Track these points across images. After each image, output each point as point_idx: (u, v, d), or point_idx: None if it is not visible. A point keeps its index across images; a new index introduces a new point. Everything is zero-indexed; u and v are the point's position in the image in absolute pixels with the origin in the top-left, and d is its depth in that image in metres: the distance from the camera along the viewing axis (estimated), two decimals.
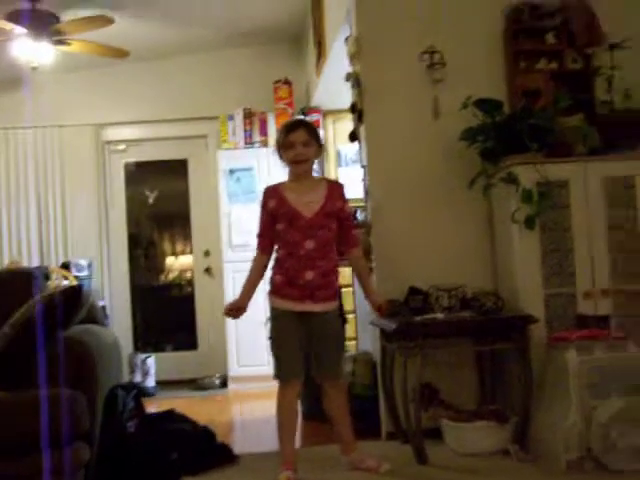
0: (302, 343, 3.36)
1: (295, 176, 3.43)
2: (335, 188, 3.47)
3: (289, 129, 3.40)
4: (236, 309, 3.38)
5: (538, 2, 4.11)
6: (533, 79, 4.05)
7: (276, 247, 3.41)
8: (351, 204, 3.72)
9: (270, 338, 3.41)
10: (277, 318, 3.39)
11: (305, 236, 3.30)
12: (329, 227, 3.35)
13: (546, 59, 4.08)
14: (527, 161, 3.64)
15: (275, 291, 3.37)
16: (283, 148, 3.39)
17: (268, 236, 3.41)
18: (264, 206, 3.41)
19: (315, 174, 3.58)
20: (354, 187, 4.67)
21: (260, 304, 3.53)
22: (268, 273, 3.44)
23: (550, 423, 3.32)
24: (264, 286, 3.44)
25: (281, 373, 3.36)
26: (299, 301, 3.31)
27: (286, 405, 3.38)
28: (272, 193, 3.40)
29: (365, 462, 3.41)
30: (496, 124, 3.78)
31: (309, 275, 3.29)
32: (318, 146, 3.44)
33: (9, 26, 5.14)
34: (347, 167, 6.52)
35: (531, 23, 4.10)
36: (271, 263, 3.43)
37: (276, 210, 3.35)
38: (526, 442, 3.49)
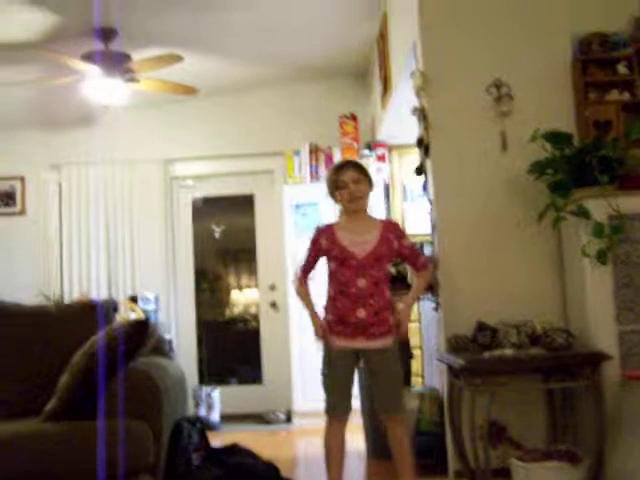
0: (353, 378, 3.41)
1: (350, 215, 3.46)
2: (390, 228, 3.48)
3: (339, 170, 3.47)
4: (322, 328, 3.41)
5: (608, 32, 4.05)
6: (604, 110, 3.97)
7: (327, 286, 3.44)
8: (416, 239, 3.70)
9: (322, 374, 3.43)
10: (329, 355, 3.41)
11: (357, 275, 3.33)
12: (381, 266, 3.37)
13: (618, 90, 4.00)
14: (598, 194, 3.56)
15: (327, 329, 3.39)
16: (337, 189, 3.44)
17: (309, 271, 3.51)
18: (314, 243, 3.47)
19: (375, 210, 3.61)
20: (419, 222, 4.64)
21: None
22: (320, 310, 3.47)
23: (629, 469, 3.18)
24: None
25: (328, 409, 3.40)
26: (351, 338, 3.34)
27: (332, 439, 3.40)
28: (325, 233, 3.45)
29: None
30: (566, 157, 3.71)
31: (361, 313, 3.30)
32: (368, 183, 3.48)
33: (83, 66, 5.30)
34: (413, 202, 6.48)
35: (601, 54, 4.03)
36: (323, 301, 3.45)
37: (328, 251, 3.40)
38: None
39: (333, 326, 3.36)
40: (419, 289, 3.59)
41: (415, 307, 4.93)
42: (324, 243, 3.42)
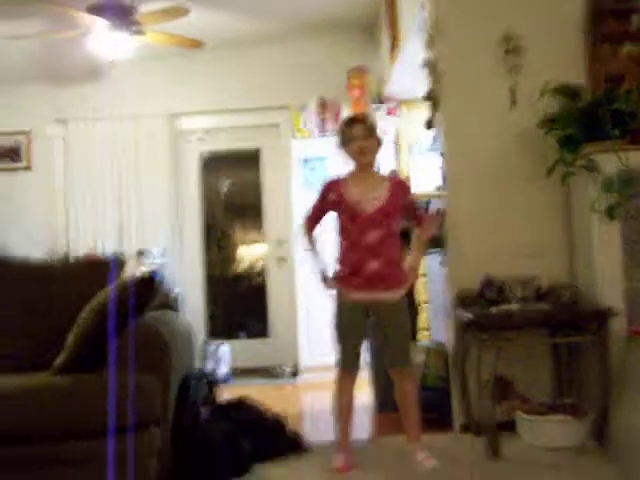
0: (365, 332, 3.47)
1: (359, 169, 3.47)
2: (398, 184, 3.52)
3: (349, 124, 3.50)
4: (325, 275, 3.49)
5: None
6: (617, 63, 3.91)
7: (339, 239, 3.46)
8: (423, 194, 3.69)
9: (334, 328, 3.46)
10: (340, 307, 3.44)
11: (366, 229, 3.35)
12: (389, 221, 3.39)
13: (631, 42, 3.92)
14: (609, 148, 3.51)
15: (340, 282, 3.42)
16: (346, 143, 3.45)
17: (315, 220, 3.53)
18: (322, 197, 3.50)
19: (382, 167, 3.61)
20: (427, 176, 4.61)
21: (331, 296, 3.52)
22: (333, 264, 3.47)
23: (633, 424, 3.19)
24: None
25: (339, 363, 3.44)
26: (363, 291, 3.36)
27: (342, 394, 3.44)
28: (333, 186, 3.47)
29: (415, 455, 3.37)
30: (576, 111, 3.66)
31: (373, 265, 3.33)
32: (376, 141, 3.48)
33: (89, 19, 5.23)
34: (421, 156, 6.43)
35: (615, 5, 3.95)
36: (335, 255, 3.47)
37: (336, 205, 3.42)
38: (604, 440, 3.38)
39: (345, 279, 3.39)
40: (421, 243, 3.59)
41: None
42: (332, 197, 3.44)
